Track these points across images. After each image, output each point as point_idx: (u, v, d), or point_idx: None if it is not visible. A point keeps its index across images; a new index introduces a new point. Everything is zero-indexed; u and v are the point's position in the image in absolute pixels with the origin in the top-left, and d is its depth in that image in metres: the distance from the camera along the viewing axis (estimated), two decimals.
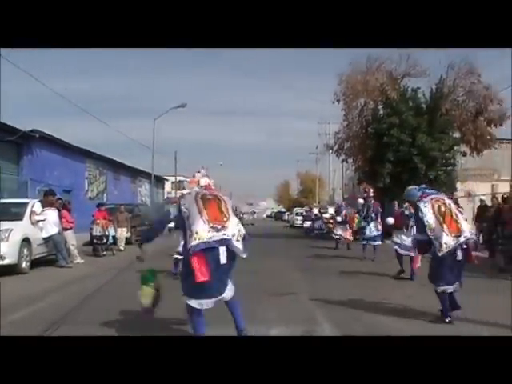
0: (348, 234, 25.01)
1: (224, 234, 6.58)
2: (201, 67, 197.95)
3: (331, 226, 29.29)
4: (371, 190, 20.39)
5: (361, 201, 20.73)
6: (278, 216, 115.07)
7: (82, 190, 37.74)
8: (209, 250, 6.49)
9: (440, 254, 8.59)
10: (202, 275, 6.41)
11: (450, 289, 8.70)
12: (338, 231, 25.28)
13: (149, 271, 7.75)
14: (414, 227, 10.70)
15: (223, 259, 6.61)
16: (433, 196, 9.14)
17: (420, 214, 8.89)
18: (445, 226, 8.64)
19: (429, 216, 8.76)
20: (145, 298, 7.57)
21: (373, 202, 20.01)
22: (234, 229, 6.73)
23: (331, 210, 38.42)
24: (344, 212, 25.66)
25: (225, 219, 6.71)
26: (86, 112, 43.79)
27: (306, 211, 52.32)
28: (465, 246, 8.72)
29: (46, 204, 16.86)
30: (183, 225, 6.79)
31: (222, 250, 6.60)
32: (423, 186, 10.02)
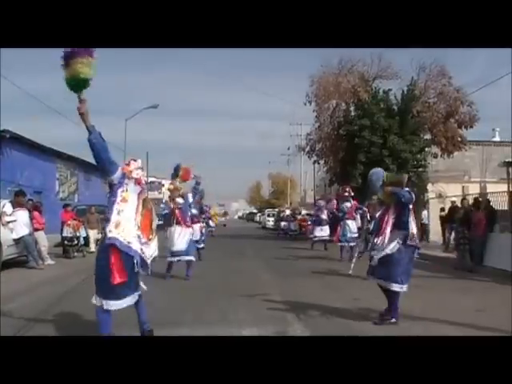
0: (325, 233, 25.03)
1: (141, 250, 6.49)
2: (173, 67, 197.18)
3: (306, 227, 29.18)
4: (350, 191, 20.41)
5: (348, 204, 20.50)
6: (249, 217, 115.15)
7: (53, 191, 37.44)
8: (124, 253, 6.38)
9: (408, 244, 8.68)
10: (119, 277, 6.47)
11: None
12: (316, 232, 25.25)
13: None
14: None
15: (137, 267, 6.50)
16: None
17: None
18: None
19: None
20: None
21: (353, 202, 20.03)
22: (152, 250, 6.72)
23: (303, 212, 38.49)
24: (326, 212, 25.61)
25: (150, 237, 6.69)
26: (57, 112, 43.65)
27: (281, 212, 52.31)
28: None
29: (16, 205, 16.66)
30: (113, 201, 6.55)
31: (138, 260, 6.47)
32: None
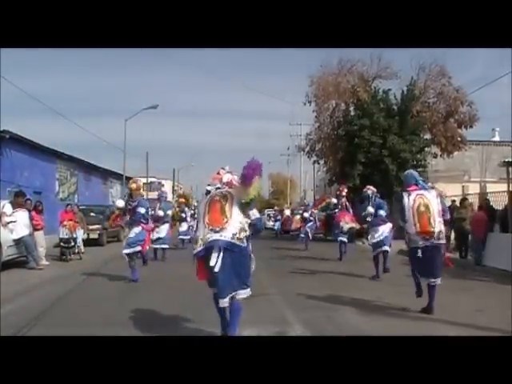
0: (311, 233, 25.36)
1: (221, 236, 6.62)
2: (173, 68, 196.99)
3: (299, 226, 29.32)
4: (344, 190, 20.42)
5: (334, 200, 20.73)
6: None
7: (53, 192, 37.37)
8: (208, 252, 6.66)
9: (407, 247, 9.43)
10: (200, 276, 7.00)
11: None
12: (305, 230, 25.49)
13: None
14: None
15: (213, 261, 6.56)
16: (419, 192, 9.38)
17: (401, 204, 9.40)
18: (418, 224, 9.06)
19: (407, 209, 9.21)
20: None
21: (343, 200, 20.00)
22: (233, 229, 6.72)
23: (287, 212, 38.63)
24: (311, 210, 25.79)
25: (225, 220, 6.72)
26: (57, 113, 43.65)
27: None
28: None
29: (16, 205, 16.66)
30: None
31: (215, 254, 6.59)
32: (421, 178, 10.11)
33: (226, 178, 7.26)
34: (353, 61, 33.93)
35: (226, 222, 6.71)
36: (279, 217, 42.88)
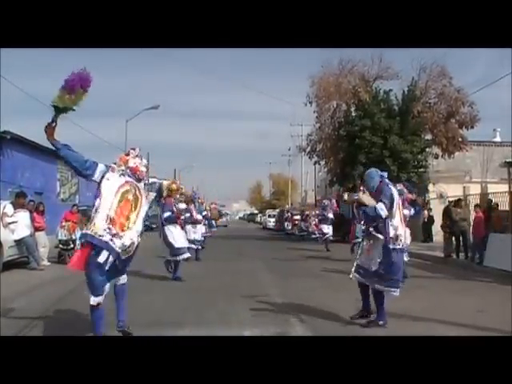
0: (330, 232, 25.20)
1: (111, 240, 6.50)
2: (174, 68, 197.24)
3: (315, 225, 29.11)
4: (363, 189, 20.32)
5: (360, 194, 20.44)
6: (250, 218, 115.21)
7: (54, 192, 37.39)
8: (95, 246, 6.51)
9: (392, 247, 8.34)
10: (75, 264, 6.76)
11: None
12: (324, 230, 25.37)
13: None
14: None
15: (102, 259, 6.46)
16: (395, 188, 8.93)
17: (388, 193, 8.46)
18: (403, 222, 8.73)
19: (395, 201, 8.45)
20: None
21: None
22: (129, 239, 6.65)
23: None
24: (331, 211, 25.76)
25: (126, 227, 6.64)
26: None
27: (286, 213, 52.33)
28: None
29: (17, 206, 16.66)
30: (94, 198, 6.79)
31: (104, 255, 6.48)
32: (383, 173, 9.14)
33: (133, 162, 6.99)
34: (354, 61, 33.94)
35: (128, 228, 6.64)
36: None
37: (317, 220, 28.05)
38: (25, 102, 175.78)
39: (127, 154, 7.10)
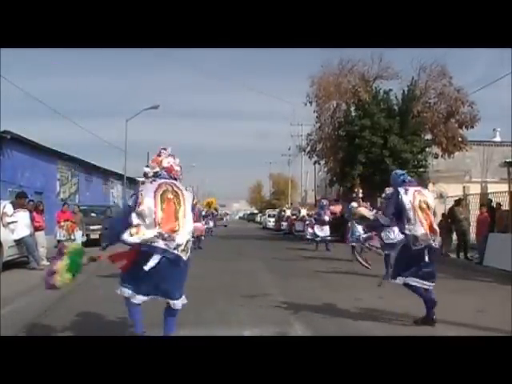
0: (326, 233, 25.04)
1: (165, 244, 6.18)
2: (174, 68, 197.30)
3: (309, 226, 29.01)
4: (360, 191, 20.33)
5: (354, 204, 20.46)
6: (250, 218, 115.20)
7: (54, 192, 37.44)
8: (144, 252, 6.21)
9: (413, 248, 8.42)
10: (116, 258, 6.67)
11: (412, 281, 8.64)
12: (317, 231, 25.24)
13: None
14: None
15: (151, 265, 6.14)
16: (416, 188, 8.94)
17: (398, 200, 8.64)
18: (424, 221, 8.49)
19: (408, 206, 8.49)
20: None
21: (361, 203, 19.86)
22: (182, 238, 6.31)
23: (303, 212, 38.43)
24: (328, 212, 25.63)
25: (177, 228, 6.29)
26: (58, 113, 43.72)
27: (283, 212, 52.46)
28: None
29: (17, 206, 16.65)
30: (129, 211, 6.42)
31: (155, 259, 6.16)
32: (406, 175, 9.48)
33: (167, 162, 6.80)
34: (354, 61, 33.96)
35: (178, 230, 6.29)
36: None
37: (312, 220, 27.97)
38: (25, 102, 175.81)
39: (159, 155, 6.91)
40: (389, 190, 15.06)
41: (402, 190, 8.70)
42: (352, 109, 33.95)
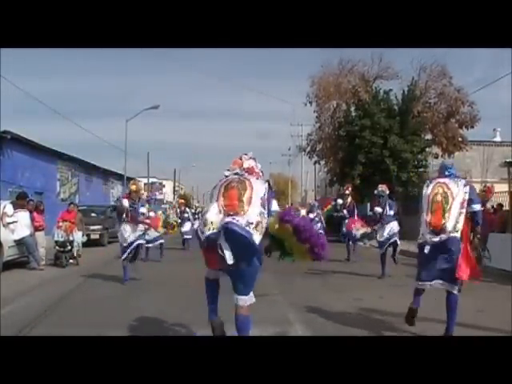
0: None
1: (233, 219, 6.00)
2: (174, 68, 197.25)
3: None
4: (349, 189, 20.39)
5: (339, 201, 20.68)
6: None
7: (54, 192, 37.42)
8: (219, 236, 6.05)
9: (417, 242, 8.11)
10: (211, 264, 6.50)
11: (420, 285, 8.18)
12: None
13: None
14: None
15: (227, 255, 6.02)
16: (442, 180, 8.10)
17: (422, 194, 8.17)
18: (429, 215, 7.88)
19: (424, 200, 8.04)
20: None
21: (349, 200, 19.94)
22: (251, 217, 6.09)
23: (303, 212, 38.42)
24: (316, 212, 25.59)
25: (241, 208, 6.11)
26: (58, 113, 43.74)
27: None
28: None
29: (17, 206, 16.64)
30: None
31: (224, 243, 6.01)
32: (452, 169, 8.38)
33: (248, 163, 6.72)
34: (354, 61, 34.11)
35: (242, 210, 6.08)
36: None
37: None
38: (25, 102, 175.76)
39: (240, 158, 6.82)
40: (381, 187, 15.22)
41: (426, 183, 8.31)
42: (352, 109, 34.01)
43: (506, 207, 19.56)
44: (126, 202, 13.64)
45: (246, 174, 6.55)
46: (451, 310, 7.93)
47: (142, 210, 13.81)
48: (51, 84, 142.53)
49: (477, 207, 7.98)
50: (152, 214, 18.60)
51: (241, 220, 6.01)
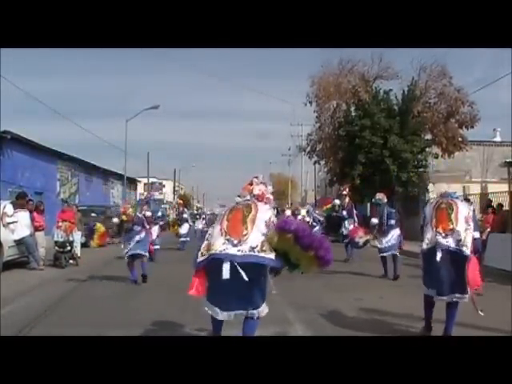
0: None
1: (238, 251, 5.92)
2: (174, 68, 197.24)
3: None
4: (346, 189, 20.41)
5: (337, 201, 20.70)
6: None
7: (54, 192, 37.44)
8: (214, 263, 5.99)
9: (422, 248, 7.95)
10: (196, 289, 6.54)
11: (431, 293, 8.06)
12: None
13: None
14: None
15: (226, 274, 5.83)
16: (446, 198, 8.22)
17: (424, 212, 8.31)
18: (435, 220, 7.84)
19: (427, 212, 8.13)
20: None
21: (346, 201, 19.95)
22: (254, 241, 5.99)
23: (303, 212, 38.50)
24: (313, 216, 25.62)
25: (245, 232, 6.03)
26: (58, 113, 43.74)
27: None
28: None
29: (17, 206, 16.63)
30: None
31: (226, 266, 5.84)
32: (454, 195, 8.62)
33: (258, 189, 6.62)
34: (354, 61, 34.05)
35: (246, 234, 6.02)
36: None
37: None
38: (25, 102, 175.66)
39: (250, 184, 6.73)
40: (378, 196, 15.24)
41: (429, 202, 8.64)
42: (352, 109, 33.97)
43: (506, 207, 19.57)
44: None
45: (256, 201, 6.48)
46: (451, 311, 8.00)
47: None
48: (51, 84, 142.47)
49: (475, 234, 8.08)
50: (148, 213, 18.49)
51: (244, 247, 5.97)
